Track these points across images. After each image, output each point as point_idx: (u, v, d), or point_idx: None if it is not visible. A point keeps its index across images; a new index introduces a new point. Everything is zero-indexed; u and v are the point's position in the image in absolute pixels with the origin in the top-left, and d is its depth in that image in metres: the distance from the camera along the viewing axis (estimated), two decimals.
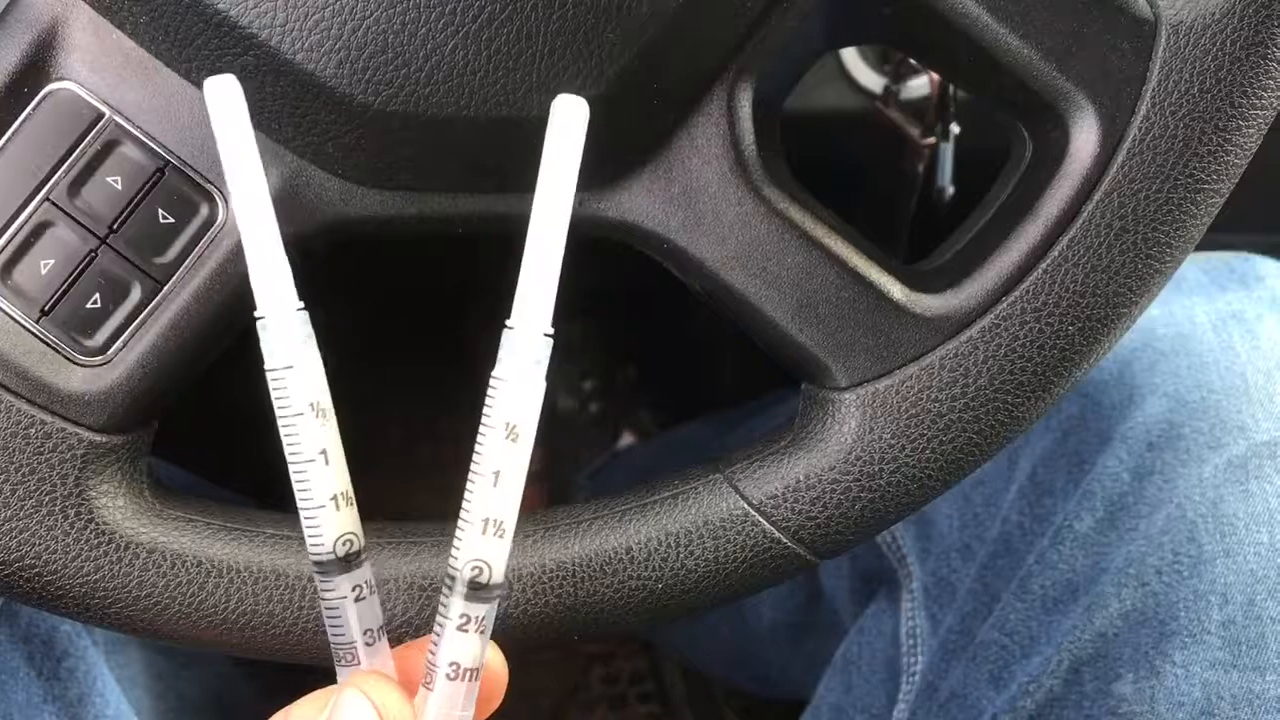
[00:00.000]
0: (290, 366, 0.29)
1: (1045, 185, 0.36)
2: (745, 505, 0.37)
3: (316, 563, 0.30)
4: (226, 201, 0.34)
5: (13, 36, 0.34)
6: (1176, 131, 0.35)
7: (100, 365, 0.35)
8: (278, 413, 0.29)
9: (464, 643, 0.30)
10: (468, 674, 0.30)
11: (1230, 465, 0.50)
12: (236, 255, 0.35)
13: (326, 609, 0.30)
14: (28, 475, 0.34)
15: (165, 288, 0.35)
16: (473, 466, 0.29)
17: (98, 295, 0.34)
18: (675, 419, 1.09)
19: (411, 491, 0.99)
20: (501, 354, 0.29)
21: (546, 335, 0.29)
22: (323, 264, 0.38)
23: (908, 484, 0.37)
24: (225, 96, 0.29)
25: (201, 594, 0.35)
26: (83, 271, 0.34)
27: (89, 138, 0.34)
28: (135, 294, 0.34)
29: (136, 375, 0.35)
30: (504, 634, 0.36)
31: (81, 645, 0.52)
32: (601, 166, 0.36)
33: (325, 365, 0.30)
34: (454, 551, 0.30)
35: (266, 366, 0.29)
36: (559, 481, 1.13)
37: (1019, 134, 0.38)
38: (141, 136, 0.34)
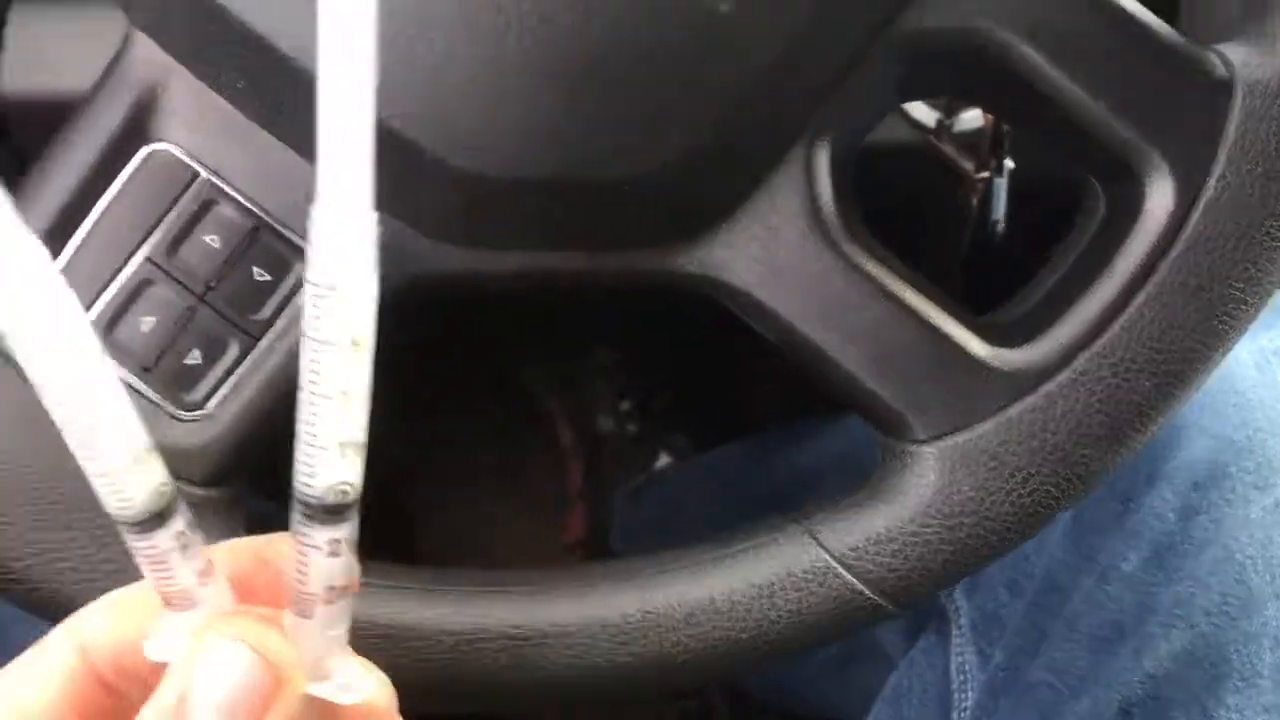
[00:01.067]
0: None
1: (1121, 242, 0.36)
2: (827, 557, 0.37)
3: (124, 522, 0.26)
4: None
5: (114, 99, 0.35)
6: (1253, 189, 0.35)
7: (200, 420, 0.35)
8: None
9: (337, 565, 0.27)
10: (343, 591, 0.28)
11: (1278, 506, 0.50)
12: None
13: (152, 566, 0.26)
14: None
15: (261, 343, 0.35)
16: (310, 386, 0.25)
17: (197, 351, 0.35)
18: (712, 441, 1.10)
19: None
20: (315, 250, 0.23)
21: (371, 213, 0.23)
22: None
23: (987, 536, 0.37)
24: None
25: None
26: (182, 329, 0.35)
27: (186, 197, 0.35)
28: (233, 350, 0.35)
29: (235, 429, 0.35)
30: (592, 687, 0.37)
31: None
32: (684, 224, 0.36)
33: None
34: (306, 478, 0.26)
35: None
36: (596, 502, 1.14)
37: (1092, 189, 0.39)
38: (237, 196, 0.35)
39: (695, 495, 0.99)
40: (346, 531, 0.27)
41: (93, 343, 0.24)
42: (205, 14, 0.33)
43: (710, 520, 0.94)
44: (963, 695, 0.58)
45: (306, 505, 0.27)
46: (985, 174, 0.63)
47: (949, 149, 0.64)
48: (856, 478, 0.41)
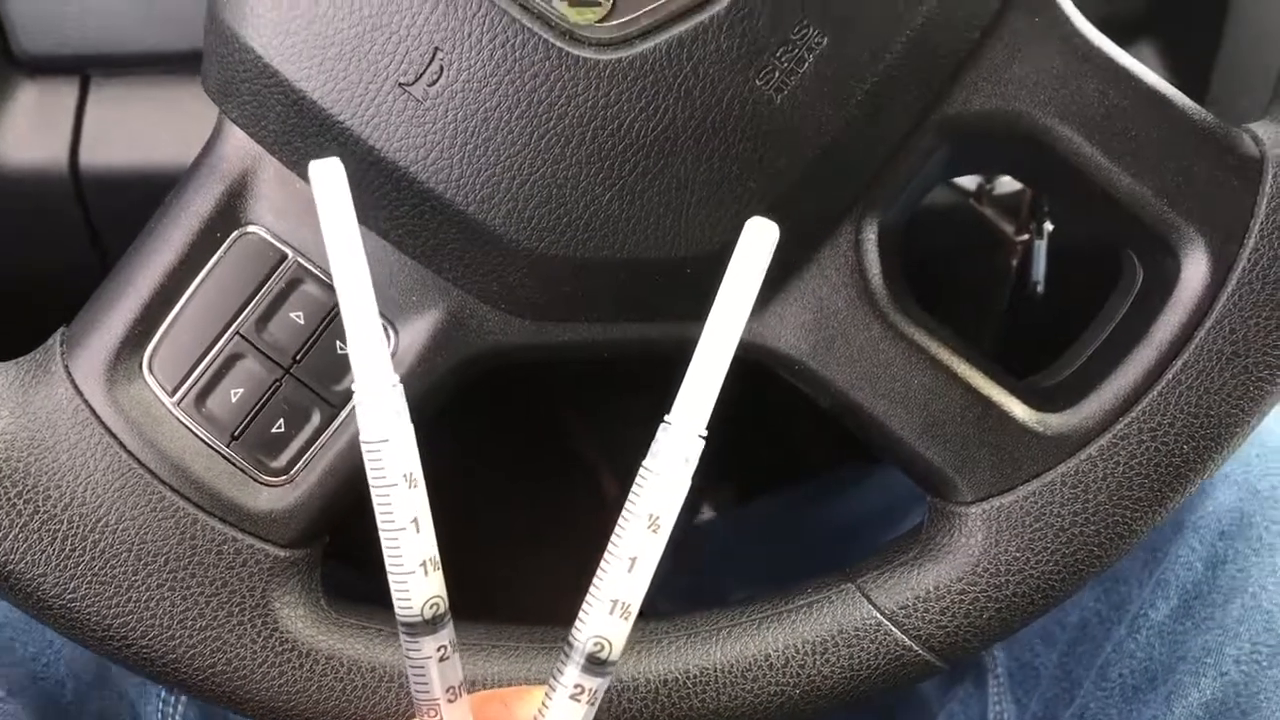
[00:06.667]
0: (386, 440, 0.29)
1: (1158, 311, 0.38)
2: (878, 614, 0.39)
3: (404, 624, 0.31)
4: (398, 331, 0.37)
5: (207, 186, 0.37)
6: None
7: (284, 485, 0.38)
8: (372, 483, 0.30)
9: (573, 711, 0.31)
10: None
11: None
12: (407, 381, 0.37)
13: (412, 667, 0.31)
14: (220, 589, 0.37)
15: (342, 413, 0.38)
16: (610, 549, 0.30)
17: (282, 420, 0.37)
18: (756, 492, 1.11)
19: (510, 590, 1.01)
20: (655, 447, 0.30)
21: (700, 436, 0.30)
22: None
23: (1032, 594, 0.39)
24: (329, 180, 0.29)
25: (374, 698, 0.38)
26: (269, 399, 0.37)
27: (274, 277, 0.37)
28: (315, 419, 0.38)
29: (316, 494, 0.38)
30: None
31: None
32: None
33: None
34: (578, 624, 0.31)
35: (362, 439, 0.30)
36: None
37: (1129, 260, 0.40)
38: (321, 275, 0.37)
39: (737, 550, 1.00)
40: (595, 685, 0.31)
41: (416, 464, 0.30)
42: (296, 108, 0.35)
43: (754, 575, 0.95)
44: None
45: (568, 644, 0.31)
46: (1025, 236, 0.65)
47: (989, 212, 0.66)
48: (897, 530, 0.43)
